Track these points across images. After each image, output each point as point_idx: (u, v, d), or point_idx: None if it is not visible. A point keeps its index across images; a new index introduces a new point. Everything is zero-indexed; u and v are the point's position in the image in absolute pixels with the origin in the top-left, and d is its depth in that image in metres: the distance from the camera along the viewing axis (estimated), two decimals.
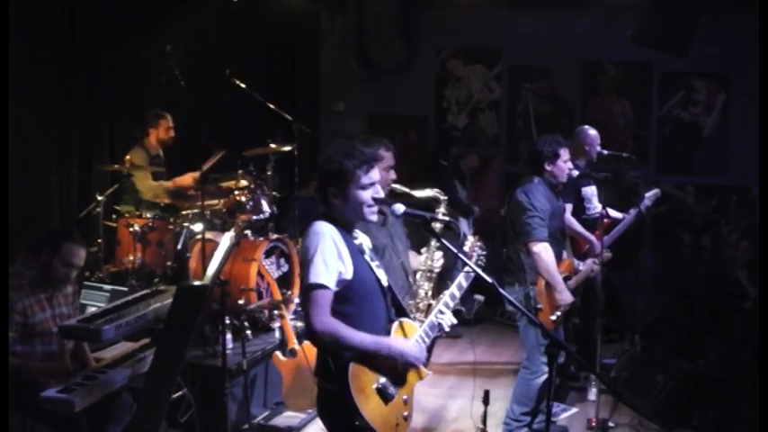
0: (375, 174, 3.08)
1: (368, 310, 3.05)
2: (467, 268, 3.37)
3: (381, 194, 3.12)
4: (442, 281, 3.56)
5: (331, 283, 2.92)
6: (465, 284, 3.44)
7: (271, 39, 8.10)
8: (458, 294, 3.40)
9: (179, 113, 6.60)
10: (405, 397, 3.12)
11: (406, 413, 3.12)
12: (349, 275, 2.97)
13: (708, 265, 7.44)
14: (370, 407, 2.96)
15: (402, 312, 3.26)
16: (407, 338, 3.14)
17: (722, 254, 7.46)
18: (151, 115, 6.58)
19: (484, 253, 3.74)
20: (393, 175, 3.96)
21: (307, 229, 3.01)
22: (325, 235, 2.95)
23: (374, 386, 3.00)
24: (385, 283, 3.15)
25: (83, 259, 4.21)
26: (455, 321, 3.32)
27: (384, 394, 3.02)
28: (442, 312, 3.29)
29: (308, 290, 2.92)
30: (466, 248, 3.69)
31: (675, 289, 7.31)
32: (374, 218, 3.11)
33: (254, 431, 5.15)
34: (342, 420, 2.99)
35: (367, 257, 3.12)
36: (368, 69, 8.38)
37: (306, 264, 2.94)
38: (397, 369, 3.04)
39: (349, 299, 2.98)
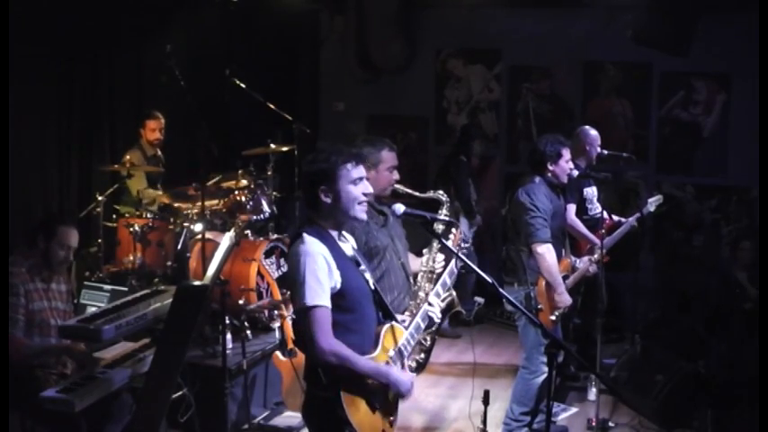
0: (362, 169, 3.06)
1: (359, 316, 3.04)
2: (456, 261, 3.40)
3: (371, 190, 3.10)
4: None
5: (327, 301, 2.90)
6: (456, 271, 3.46)
7: (271, 39, 8.10)
8: (449, 282, 3.42)
9: (179, 113, 6.60)
10: None
11: (392, 418, 3.14)
12: (339, 286, 2.95)
13: (703, 264, 7.43)
14: (360, 415, 2.97)
15: (388, 315, 3.23)
16: (397, 343, 3.15)
17: (718, 253, 7.46)
18: (143, 115, 6.59)
19: (467, 245, 3.79)
20: (396, 175, 3.96)
21: (294, 248, 2.96)
22: (314, 254, 2.91)
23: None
24: (372, 287, 3.14)
25: (77, 240, 4.32)
26: (439, 315, 3.35)
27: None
28: (431, 304, 3.32)
29: (307, 311, 2.88)
30: (449, 242, 3.74)
31: (671, 289, 7.32)
32: (364, 216, 3.09)
33: (254, 431, 5.15)
34: (330, 427, 2.99)
35: (354, 263, 3.10)
36: (368, 69, 8.38)
37: (298, 285, 2.90)
38: (385, 392, 3.06)
39: (340, 307, 2.96)
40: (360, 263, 3.14)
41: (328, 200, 2.99)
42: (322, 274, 2.90)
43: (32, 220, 5.94)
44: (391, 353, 3.11)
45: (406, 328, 3.24)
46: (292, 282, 2.95)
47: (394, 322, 3.21)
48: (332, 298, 2.93)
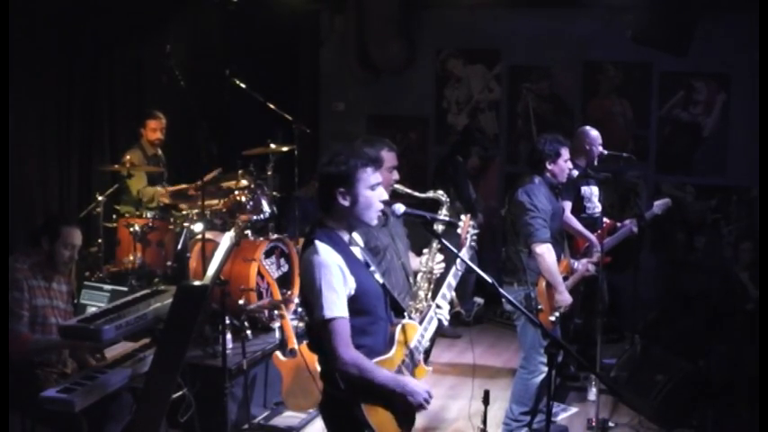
0: (379, 175, 3.05)
1: (373, 319, 3.03)
2: (459, 260, 3.39)
3: (386, 197, 3.10)
4: (439, 284, 3.57)
5: (345, 311, 2.89)
6: (460, 272, 3.45)
7: (271, 39, 8.10)
8: (454, 283, 3.41)
9: (179, 113, 6.60)
10: None
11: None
12: (353, 291, 2.95)
13: (704, 264, 7.43)
14: (378, 416, 2.96)
15: (400, 312, 3.25)
16: (409, 342, 3.14)
17: (719, 253, 7.46)
18: (143, 115, 6.59)
19: (476, 231, 3.77)
20: (396, 175, 3.96)
21: (307, 256, 2.94)
22: (329, 264, 2.89)
23: None
24: (383, 287, 3.14)
25: (81, 239, 4.33)
26: (448, 317, 3.33)
27: None
28: (439, 306, 3.30)
29: (326, 323, 2.86)
30: (458, 230, 3.72)
31: (671, 288, 7.32)
32: (375, 221, 3.09)
33: (254, 431, 5.15)
34: (348, 428, 2.99)
35: (365, 265, 3.09)
36: (368, 69, 8.38)
37: (314, 297, 2.88)
38: (401, 401, 3.03)
39: (355, 310, 2.95)
40: (369, 264, 3.14)
41: (345, 202, 2.97)
42: (338, 284, 2.89)
43: (33, 220, 5.95)
44: (405, 350, 3.11)
45: (420, 323, 3.24)
46: (308, 293, 2.93)
47: (405, 320, 3.20)
48: (347, 302, 2.92)
